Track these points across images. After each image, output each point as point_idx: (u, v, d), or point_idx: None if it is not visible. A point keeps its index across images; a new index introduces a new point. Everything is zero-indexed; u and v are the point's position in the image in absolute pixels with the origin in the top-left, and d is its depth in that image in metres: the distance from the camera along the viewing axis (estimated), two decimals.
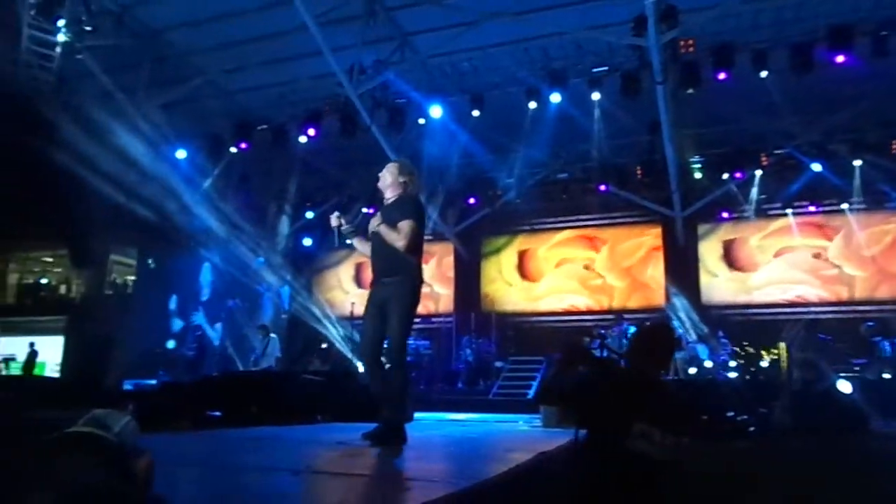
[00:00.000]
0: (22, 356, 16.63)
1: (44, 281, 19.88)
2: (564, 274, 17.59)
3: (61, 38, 11.34)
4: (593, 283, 17.22)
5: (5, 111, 10.87)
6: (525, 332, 16.83)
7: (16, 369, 16.55)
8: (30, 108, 11.95)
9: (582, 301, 17.29)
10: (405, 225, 4.64)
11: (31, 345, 16.57)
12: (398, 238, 4.62)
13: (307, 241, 19.04)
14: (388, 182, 4.85)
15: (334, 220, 4.91)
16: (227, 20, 12.32)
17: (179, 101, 14.16)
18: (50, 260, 20.32)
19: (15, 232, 16.08)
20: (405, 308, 4.57)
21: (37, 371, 16.37)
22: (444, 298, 18.52)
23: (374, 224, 4.76)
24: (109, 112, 13.70)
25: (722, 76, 11.18)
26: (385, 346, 4.63)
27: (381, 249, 4.68)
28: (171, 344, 16.29)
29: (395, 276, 4.64)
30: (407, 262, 4.65)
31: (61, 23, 11.07)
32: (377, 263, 4.72)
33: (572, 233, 17.77)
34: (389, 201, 4.83)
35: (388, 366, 4.60)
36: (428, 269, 19.11)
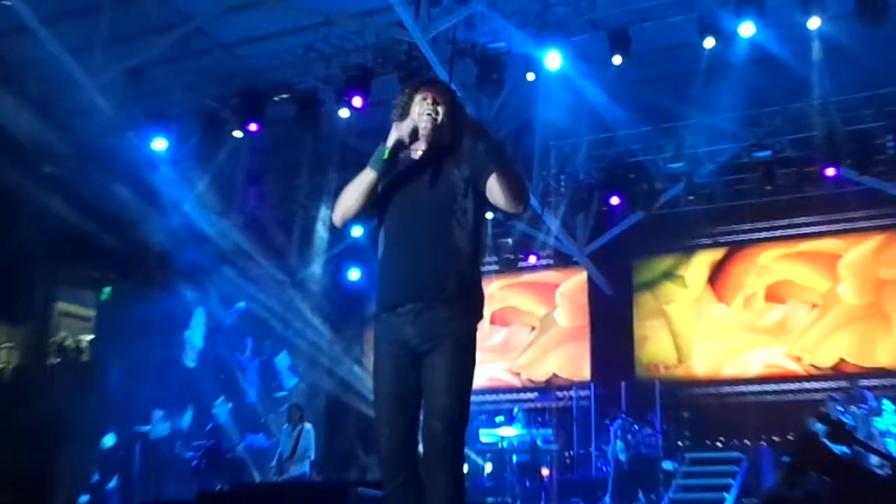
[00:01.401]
0: None
1: None
2: (776, 314, 17.20)
3: None
4: (816, 326, 16.77)
5: None
6: (710, 410, 16.56)
7: None
8: None
9: (795, 359, 16.85)
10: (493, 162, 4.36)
11: None
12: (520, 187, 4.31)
13: (354, 273, 19.24)
14: (443, 121, 4.36)
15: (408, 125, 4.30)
16: None
17: (154, 63, 14.57)
18: None
19: None
20: (467, 358, 4.20)
21: None
22: (575, 358, 18.35)
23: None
24: (50, 84, 14.28)
25: None
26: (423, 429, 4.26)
27: (428, 229, 4.20)
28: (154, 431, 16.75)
29: (454, 297, 4.30)
30: (475, 269, 4.30)
31: None
32: (413, 258, 4.17)
33: (784, 248, 17.50)
34: (425, 155, 4.39)
35: (428, 466, 4.22)
36: (538, 309, 19.05)
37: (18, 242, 15.07)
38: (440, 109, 4.31)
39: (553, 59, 13.12)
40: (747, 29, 12.30)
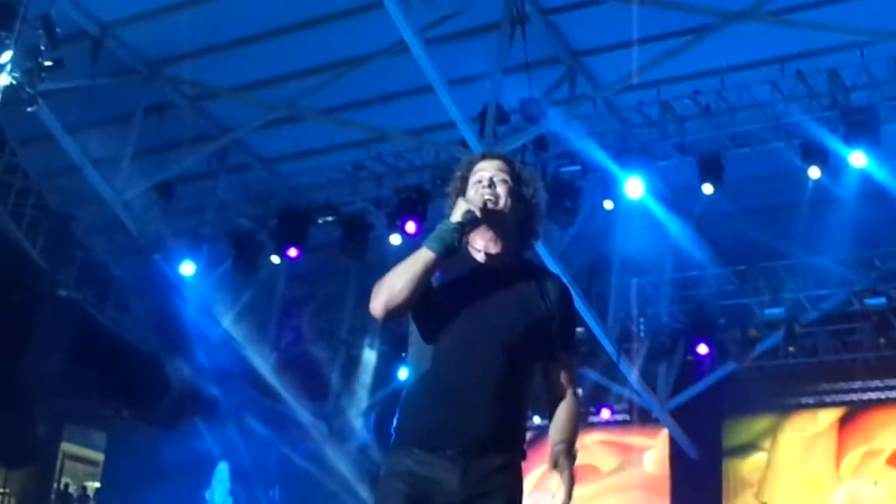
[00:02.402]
0: None
1: None
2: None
3: (3, 79, 12.14)
4: None
5: None
6: None
7: None
8: None
9: None
10: (576, 365, 4.21)
11: None
12: (577, 398, 4.14)
13: None
14: (507, 203, 3.90)
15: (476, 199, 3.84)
16: (263, 42, 13.00)
17: (186, 178, 14.83)
18: None
19: None
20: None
21: None
22: None
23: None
24: (72, 197, 14.54)
25: None
26: None
27: (496, 356, 3.77)
28: None
29: (508, 449, 4.02)
30: (525, 421, 4.11)
31: (5, 56, 11.80)
32: (473, 391, 3.77)
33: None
34: (497, 264, 3.95)
35: None
36: (598, 483, 18.66)
37: (25, 373, 15.15)
38: (503, 190, 3.87)
39: (634, 186, 13.09)
40: (858, 159, 12.19)
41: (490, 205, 3.80)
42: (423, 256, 3.72)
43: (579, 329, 15.38)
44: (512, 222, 3.92)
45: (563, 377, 3.93)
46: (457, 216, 3.73)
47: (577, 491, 3.93)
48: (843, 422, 17.48)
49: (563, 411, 3.91)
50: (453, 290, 3.84)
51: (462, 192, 3.91)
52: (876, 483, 16.96)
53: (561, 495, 3.71)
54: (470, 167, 3.99)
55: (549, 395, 3.95)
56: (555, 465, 3.74)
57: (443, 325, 3.81)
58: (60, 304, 15.65)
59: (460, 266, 3.85)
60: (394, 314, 3.79)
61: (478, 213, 3.75)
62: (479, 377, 3.78)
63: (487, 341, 3.80)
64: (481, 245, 3.93)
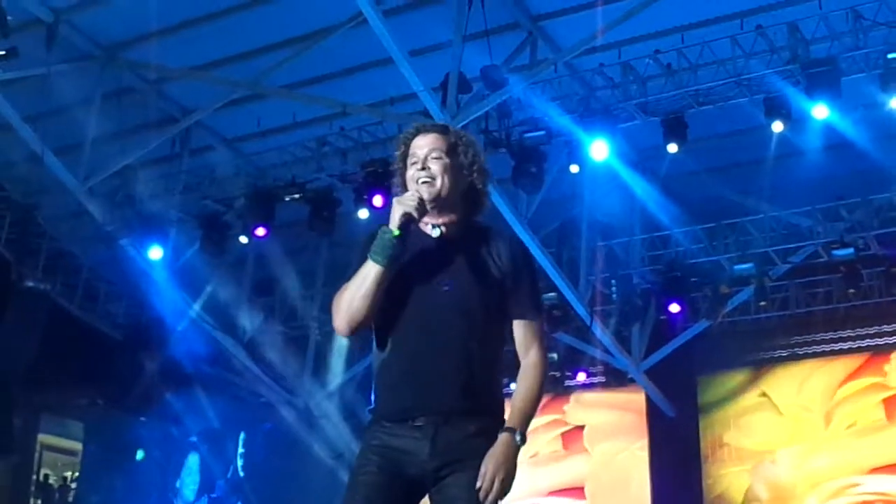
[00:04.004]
0: None
1: None
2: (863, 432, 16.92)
3: None
4: None
5: None
6: None
7: None
8: None
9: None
10: (538, 323, 4.03)
11: None
12: (542, 359, 4.05)
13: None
14: (443, 182, 3.91)
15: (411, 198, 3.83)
16: (220, 21, 12.90)
17: (149, 163, 14.69)
18: None
19: None
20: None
21: None
22: (635, 495, 18.08)
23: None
24: (33, 187, 14.38)
25: None
26: None
27: (454, 324, 3.84)
28: None
29: (485, 409, 4.01)
30: (500, 387, 4.00)
31: None
32: (433, 359, 3.85)
33: (863, 358, 17.23)
34: (443, 232, 3.98)
35: None
36: (586, 437, 18.74)
37: None
38: (437, 168, 3.90)
39: (599, 149, 13.08)
40: (821, 111, 12.20)
41: (426, 193, 3.82)
42: (372, 270, 3.75)
43: (551, 294, 15.40)
44: (454, 195, 3.94)
45: (524, 335, 3.93)
46: (394, 222, 3.74)
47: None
48: (816, 371, 17.63)
49: (522, 382, 3.90)
50: (405, 268, 3.84)
51: (401, 176, 3.97)
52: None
53: (485, 483, 3.69)
54: (407, 144, 3.99)
55: (516, 355, 3.95)
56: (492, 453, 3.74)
57: (400, 304, 3.85)
58: (28, 295, 15.52)
59: (410, 244, 3.86)
60: (359, 329, 3.86)
61: (413, 213, 3.75)
62: (440, 347, 3.81)
63: (443, 311, 3.83)
64: (428, 220, 3.94)
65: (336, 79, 13.95)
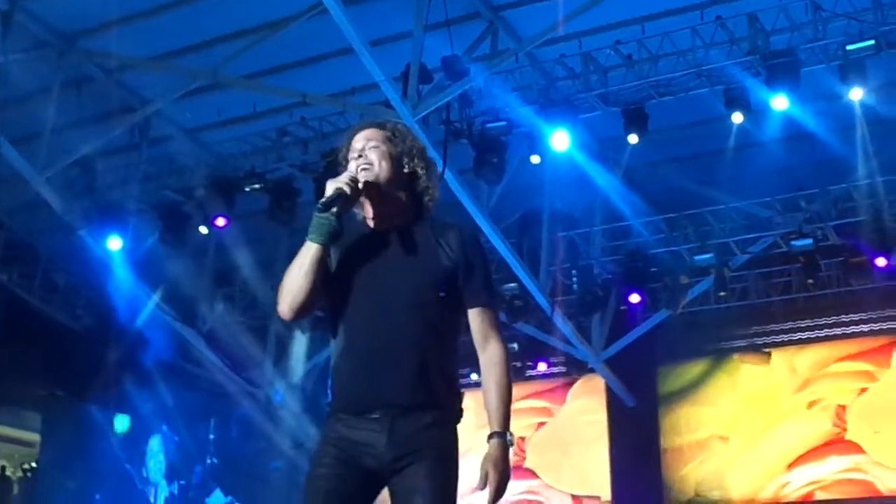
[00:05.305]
0: None
1: None
2: (824, 421, 17.05)
3: None
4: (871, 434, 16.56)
5: None
6: None
7: None
8: None
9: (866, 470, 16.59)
10: (493, 311, 4.02)
11: None
12: (502, 350, 3.97)
13: None
14: (381, 167, 3.96)
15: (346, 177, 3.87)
16: (180, 10, 12.78)
17: (108, 152, 14.56)
18: None
19: None
20: (451, 473, 3.85)
21: None
22: (595, 481, 18.16)
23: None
24: None
25: None
26: None
27: (405, 314, 3.84)
28: None
29: (439, 401, 4.01)
30: (456, 378, 4.01)
31: None
32: (386, 352, 3.83)
33: (833, 348, 17.28)
34: (391, 227, 3.98)
35: None
36: (545, 427, 18.80)
37: None
38: (375, 156, 3.95)
39: (560, 139, 13.06)
40: (780, 102, 12.25)
41: (364, 174, 3.87)
42: (309, 250, 3.80)
43: (512, 284, 15.44)
44: (395, 184, 3.98)
45: (481, 324, 3.93)
46: (325, 197, 3.78)
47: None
48: (774, 360, 17.78)
49: (490, 381, 3.91)
50: (350, 262, 3.91)
51: (343, 171, 3.98)
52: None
53: (491, 490, 3.75)
54: (348, 145, 4.05)
55: (475, 346, 3.96)
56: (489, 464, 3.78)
57: (348, 298, 3.88)
58: None
59: (355, 237, 3.94)
60: (301, 312, 3.88)
61: (346, 190, 3.80)
62: (391, 340, 3.82)
63: (392, 304, 3.84)
64: (372, 212, 3.99)
65: (296, 68, 13.88)
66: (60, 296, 17.16)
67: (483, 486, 3.72)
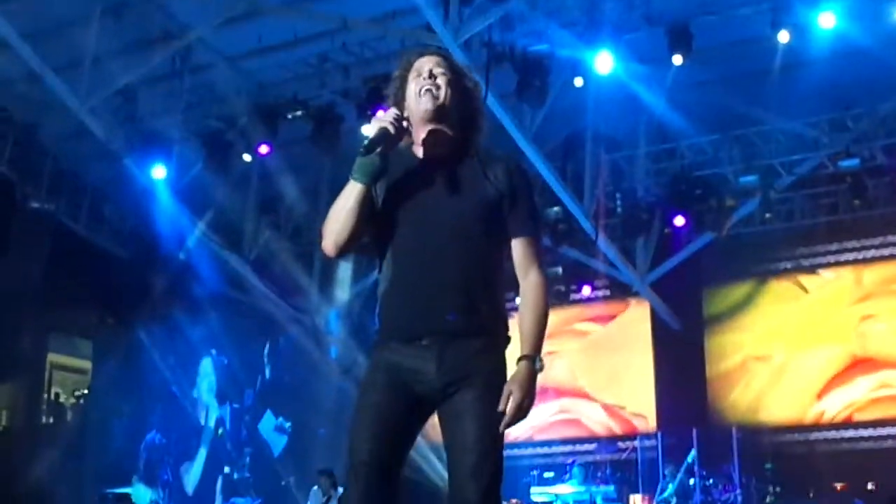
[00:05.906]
0: None
1: None
2: (875, 342, 16.97)
3: None
4: None
5: None
6: (800, 459, 16.25)
7: None
8: None
9: None
10: (536, 241, 4.06)
11: None
12: (542, 278, 4.01)
13: None
14: (447, 93, 3.99)
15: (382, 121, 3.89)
16: None
17: (150, 81, 14.55)
18: None
19: None
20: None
21: None
22: (641, 403, 18.24)
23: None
24: (34, 106, 14.31)
25: None
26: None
27: (452, 244, 3.89)
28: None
29: (487, 327, 3.98)
30: (502, 305, 4.06)
31: None
32: (434, 280, 3.90)
33: (882, 269, 17.21)
34: (440, 156, 4.00)
35: None
36: (590, 349, 18.88)
37: (4, 287, 15.10)
38: (442, 83, 3.98)
39: (604, 61, 13.02)
40: (827, 20, 12.14)
41: (430, 103, 3.93)
42: (352, 189, 3.86)
43: (556, 208, 15.44)
44: (453, 114, 4.01)
45: (523, 254, 3.97)
46: (369, 135, 3.83)
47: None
48: (820, 282, 17.71)
49: (526, 307, 3.95)
50: (398, 193, 3.94)
51: (398, 93, 4.04)
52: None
53: (510, 406, 3.75)
54: (408, 66, 4.06)
55: (516, 275, 4.00)
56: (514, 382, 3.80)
57: (395, 229, 3.94)
58: (33, 216, 15.54)
59: (403, 168, 3.97)
60: (346, 249, 3.97)
61: (390, 129, 3.83)
62: (437, 268, 3.89)
63: (439, 232, 3.91)
64: (423, 142, 4.02)
65: None
66: (107, 225, 17.30)
67: (505, 406, 3.73)
